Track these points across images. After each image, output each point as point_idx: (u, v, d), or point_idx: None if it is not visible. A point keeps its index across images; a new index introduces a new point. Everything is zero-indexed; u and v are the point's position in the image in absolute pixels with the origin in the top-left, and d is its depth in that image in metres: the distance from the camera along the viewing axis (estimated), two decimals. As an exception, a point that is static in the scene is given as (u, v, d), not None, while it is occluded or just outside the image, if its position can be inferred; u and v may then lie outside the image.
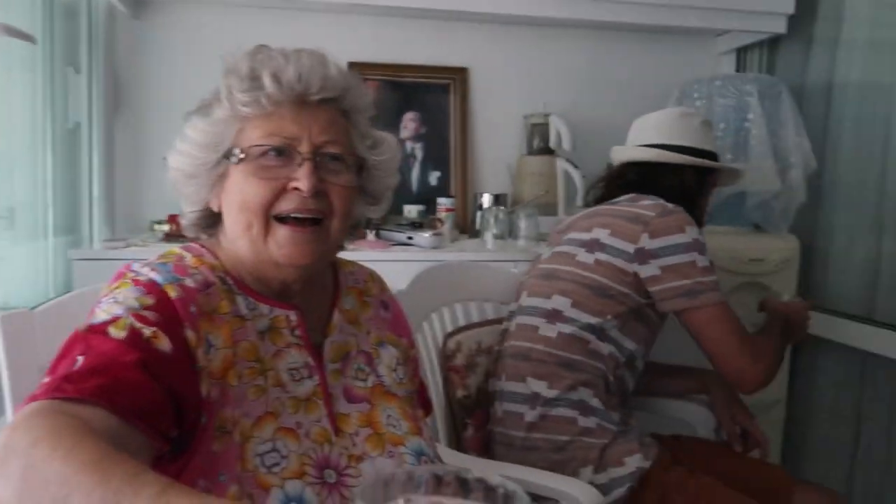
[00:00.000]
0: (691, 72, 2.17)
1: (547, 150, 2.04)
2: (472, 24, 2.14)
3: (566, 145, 1.96)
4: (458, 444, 1.39)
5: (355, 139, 0.85)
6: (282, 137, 0.79)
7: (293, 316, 0.83)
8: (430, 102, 2.15)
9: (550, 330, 1.31)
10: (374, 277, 1.01)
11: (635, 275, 1.27)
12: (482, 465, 1.22)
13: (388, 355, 0.94)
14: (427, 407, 1.11)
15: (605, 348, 1.30)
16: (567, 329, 1.29)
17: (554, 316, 1.31)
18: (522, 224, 1.81)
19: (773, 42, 2.17)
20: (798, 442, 2.10)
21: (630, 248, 1.27)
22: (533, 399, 1.29)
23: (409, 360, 1.00)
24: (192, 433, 0.72)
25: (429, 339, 1.44)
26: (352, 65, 2.07)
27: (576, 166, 1.97)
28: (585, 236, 1.35)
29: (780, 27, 2.02)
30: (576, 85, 2.21)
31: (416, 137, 2.13)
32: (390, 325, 0.98)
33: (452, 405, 1.40)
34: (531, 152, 2.07)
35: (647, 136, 1.46)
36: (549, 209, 1.98)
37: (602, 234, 1.31)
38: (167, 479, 0.57)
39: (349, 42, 2.07)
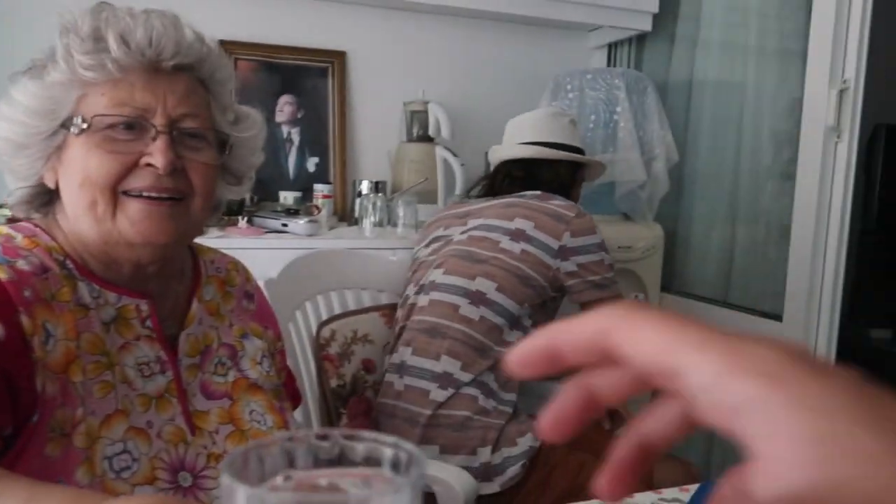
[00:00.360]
0: (565, 64, 2.23)
1: (426, 138, 2.03)
2: (351, 6, 2.10)
3: (445, 133, 1.96)
4: (332, 434, 1.36)
5: (216, 113, 0.79)
6: (133, 107, 0.71)
7: (144, 305, 0.77)
8: (307, 86, 2.08)
9: (473, 312, 1.33)
10: (237, 266, 0.95)
11: (557, 270, 1.36)
12: None
13: (253, 348, 0.89)
14: (295, 399, 1.07)
15: (514, 336, 1.35)
16: (488, 313, 1.33)
17: (478, 298, 1.34)
18: (402, 211, 1.80)
19: (641, 39, 2.27)
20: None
21: (554, 244, 1.35)
22: (443, 378, 1.30)
23: (277, 353, 0.97)
24: (20, 432, 0.65)
25: (302, 329, 1.40)
26: (223, 43, 1.96)
27: (455, 154, 1.98)
28: (509, 225, 1.38)
29: (646, 25, 2.12)
30: (455, 73, 2.22)
31: (293, 122, 2.06)
32: (255, 316, 0.94)
33: (326, 395, 1.36)
34: (410, 139, 2.05)
35: (523, 134, 1.56)
36: (428, 197, 1.98)
37: (527, 226, 1.37)
38: (28, 479, 0.51)
39: (220, 19, 1.96)
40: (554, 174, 1.49)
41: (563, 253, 1.36)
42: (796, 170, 1.65)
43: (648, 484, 1.44)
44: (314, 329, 1.40)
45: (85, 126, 0.71)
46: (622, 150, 1.91)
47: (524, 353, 0.27)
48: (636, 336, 0.25)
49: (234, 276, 0.93)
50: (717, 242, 2.03)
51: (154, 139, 0.72)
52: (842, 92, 1.52)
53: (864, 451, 0.20)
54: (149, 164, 0.71)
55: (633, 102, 1.95)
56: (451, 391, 1.29)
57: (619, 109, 1.93)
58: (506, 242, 1.37)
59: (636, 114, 1.96)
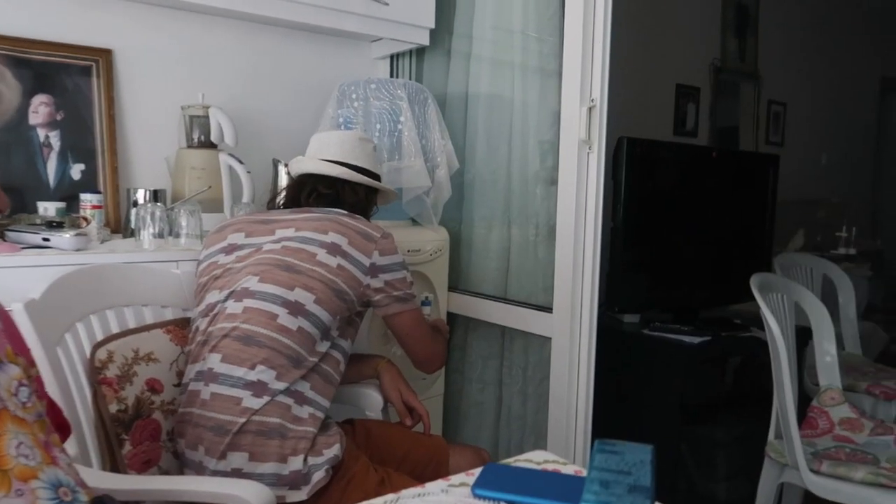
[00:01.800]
0: (351, 72, 2.28)
1: (209, 144, 1.95)
2: (117, 1, 1.94)
3: (229, 140, 1.90)
4: (113, 462, 1.26)
5: None
6: None
7: None
8: (67, 85, 1.89)
9: (292, 322, 1.32)
10: None
11: (366, 286, 1.41)
12: (136, 483, 1.12)
13: (7, 376, 0.81)
14: (63, 430, 0.99)
15: (324, 346, 1.37)
16: (306, 324, 1.33)
17: (297, 308, 1.33)
18: (184, 221, 1.71)
19: (420, 52, 2.39)
20: (455, 409, 2.36)
21: (366, 261, 1.41)
22: (257, 386, 1.27)
23: (33, 380, 0.89)
24: None
25: (73, 352, 1.27)
26: (-43, 33, 1.72)
27: (241, 161, 1.92)
28: (324, 238, 1.40)
29: (423, 39, 2.24)
30: (238, 78, 2.15)
31: (51, 124, 1.86)
32: (7, 340, 0.85)
33: (105, 421, 1.26)
34: (191, 145, 1.95)
35: (330, 152, 1.60)
36: (212, 205, 1.90)
37: (342, 242, 1.40)
38: None
39: (-47, 5, 1.71)
40: (355, 196, 1.57)
41: (373, 270, 1.43)
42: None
43: (446, 469, 1.54)
44: (88, 351, 1.29)
45: None
46: (407, 157, 2.00)
47: None
48: None
49: None
50: (496, 243, 2.20)
51: None
52: (590, 109, 1.74)
53: None
54: None
55: (416, 112, 2.05)
56: (266, 398, 1.27)
57: (402, 119, 2.01)
58: (322, 255, 1.39)
59: (419, 123, 2.05)
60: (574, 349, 1.84)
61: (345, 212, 1.52)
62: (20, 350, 0.88)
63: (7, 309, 1.17)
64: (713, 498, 2.36)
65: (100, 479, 1.06)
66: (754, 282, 1.92)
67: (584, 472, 0.81)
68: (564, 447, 1.87)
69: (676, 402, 2.19)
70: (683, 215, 2.43)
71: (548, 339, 1.92)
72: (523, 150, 2.11)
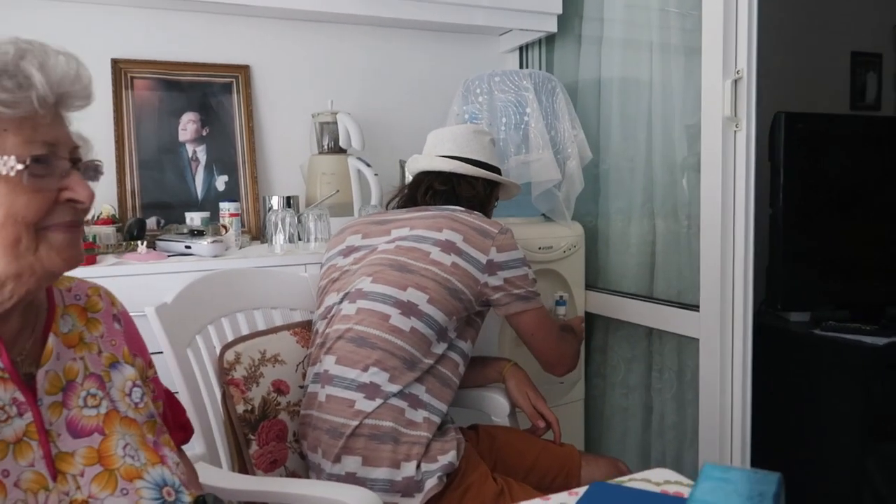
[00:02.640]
0: (478, 69, 2.23)
1: (338, 149, 1.98)
2: (251, 19, 2.04)
3: (356, 144, 1.92)
4: (241, 463, 1.29)
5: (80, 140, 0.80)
6: (44, 143, 0.71)
7: None
8: (211, 102, 2.01)
9: (404, 323, 1.30)
10: (98, 291, 0.90)
11: (484, 284, 1.36)
12: (244, 483, 1.13)
13: (122, 377, 0.85)
14: (184, 431, 1.02)
15: (441, 347, 1.33)
16: (419, 325, 1.30)
17: (409, 309, 1.31)
18: (313, 226, 1.74)
19: (550, 40, 2.28)
20: (598, 415, 2.22)
21: (483, 258, 1.35)
22: (369, 388, 1.26)
23: (149, 380, 0.92)
24: None
25: (204, 354, 1.33)
26: (116, 62, 1.89)
27: (368, 164, 1.93)
28: (439, 236, 1.36)
29: (551, 26, 2.13)
30: (364, 82, 2.18)
31: (198, 140, 1.99)
32: (125, 341, 0.89)
33: (233, 422, 1.30)
34: (322, 152, 2.00)
35: (445, 147, 1.56)
36: (343, 209, 1.93)
37: (457, 239, 1.36)
38: None
39: (112, 37, 1.88)
40: (472, 191, 1.51)
41: (491, 267, 1.36)
42: (703, 161, 1.66)
43: (576, 481, 1.43)
44: (218, 354, 1.34)
45: (19, 166, 0.69)
46: (535, 150, 1.91)
47: None
48: None
49: (96, 302, 0.88)
50: (637, 237, 2.04)
51: (65, 175, 0.72)
52: (736, 82, 1.55)
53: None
54: (70, 200, 0.73)
55: (543, 103, 1.95)
56: (378, 401, 1.25)
57: (528, 110, 1.92)
58: (436, 254, 1.35)
59: (546, 114, 1.95)
60: (726, 352, 1.64)
61: (461, 208, 1.46)
62: (138, 351, 0.91)
63: (140, 314, 1.25)
64: (911, 526, 2.02)
65: (210, 476, 1.08)
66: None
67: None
68: (719, 461, 1.67)
69: (858, 414, 1.89)
70: (862, 196, 2.10)
71: (695, 341, 1.74)
72: (666, 135, 1.94)
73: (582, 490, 0.73)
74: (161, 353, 1.21)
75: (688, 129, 1.88)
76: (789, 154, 1.93)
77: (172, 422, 0.99)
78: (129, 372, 0.86)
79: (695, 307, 1.75)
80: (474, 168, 1.51)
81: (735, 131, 1.57)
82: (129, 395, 0.84)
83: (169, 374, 1.21)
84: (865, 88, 3.22)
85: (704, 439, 1.71)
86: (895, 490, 2.02)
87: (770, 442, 1.88)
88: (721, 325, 1.63)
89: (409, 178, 1.96)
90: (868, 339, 1.91)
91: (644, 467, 2.10)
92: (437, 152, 1.55)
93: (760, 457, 1.67)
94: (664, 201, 1.96)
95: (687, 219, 1.90)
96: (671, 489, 0.74)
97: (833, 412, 1.93)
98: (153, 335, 1.19)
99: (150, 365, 0.95)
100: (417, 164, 1.57)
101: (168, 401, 1.00)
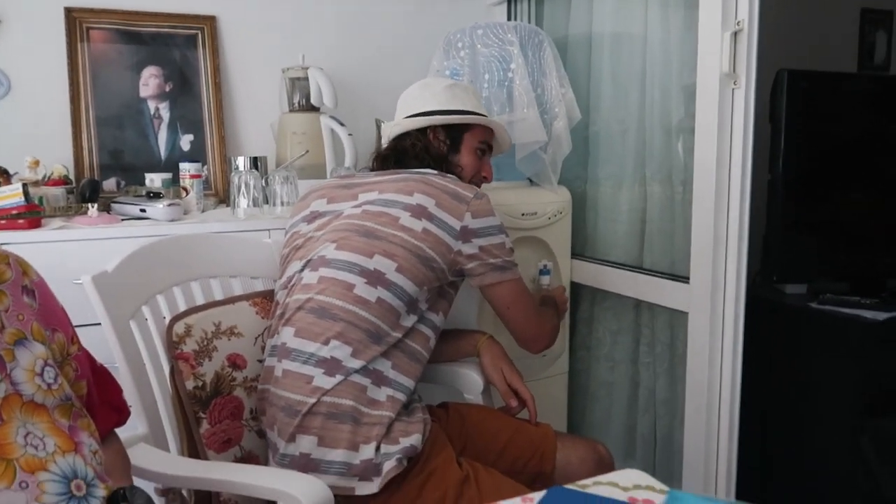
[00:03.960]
0: (463, 22, 2.08)
1: (310, 107, 1.86)
2: (217, -35, 1.90)
3: (328, 101, 1.80)
4: (190, 443, 1.20)
5: None
6: None
7: None
8: (175, 56, 1.88)
9: (370, 293, 1.20)
10: (7, 259, 0.80)
11: (458, 252, 1.26)
12: (189, 469, 1.05)
13: (30, 356, 0.75)
14: (121, 411, 0.93)
15: (410, 320, 1.24)
16: (386, 295, 1.21)
17: (376, 278, 1.21)
18: (279, 189, 1.63)
19: (540, -7, 2.14)
20: (582, 389, 2.14)
21: (456, 224, 1.25)
22: (329, 364, 1.16)
23: (70, 359, 0.82)
24: None
25: (151, 326, 1.23)
26: (70, 11, 1.76)
27: (342, 124, 1.81)
28: (409, 200, 1.26)
29: (541, -24, 1.99)
30: (338, 36, 2.05)
31: (161, 96, 1.86)
32: (38, 316, 0.79)
33: (181, 399, 1.21)
34: (293, 110, 1.88)
35: (398, 113, 1.47)
36: (315, 171, 1.82)
37: (429, 203, 1.26)
38: None
39: (65, -17, 1.74)
40: (422, 145, 1.40)
41: (465, 234, 1.26)
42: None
43: (551, 465, 1.35)
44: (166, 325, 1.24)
45: None
46: (519, 109, 1.78)
47: None
48: None
49: (3, 271, 0.78)
50: (627, 204, 1.93)
51: None
52: (735, 34, 1.42)
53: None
54: None
55: (529, 58, 1.82)
56: (339, 378, 1.16)
57: (513, 66, 1.79)
58: (406, 219, 1.25)
59: (533, 70, 1.82)
60: (716, 325, 1.54)
61: (435, 171, 1.35)
62: (58, 325, 0.81)
63: (78, 281, 1.15)
64: (904, 504, 1.95)
65: (147, 460, 0.99)
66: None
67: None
68: (706, 439, 1.59)
69: (854, 390, 1.81)
70: (867, 164, 1.98)
71: (685, 314, 1.64)
72: (662, 96, 1.81)
73: (538, 496, 0.63)
74: (99, 324, 1.11)
75: (685, 90, 1.75)
76: (791, 116, 1.80)
77: (104, 402, 0.90)
78: (38, 350, 0.76)
79: (684, 279, 1.65)
80: (410, 120, 1.41)
81: (733, 89, 1.45)
82: (42, 374, 0.75)
83: (109, 348, 1.12)
84: (875, 48, 3.06)
85: (690, 419, 1.62)
86: (888, 467, 1.95)
87: (761, 419, 1.80)
88: (712, 299, 1.53)
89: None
90: (868, 314, 1.81)
91: (629, 446, 2.03)
92: (406, 113, 1.46)
93: (749, 437, 1.59)
94: (657, 166, 1.84)
95: (681, 185, 1.79)
96: (640, 496, 0.64)
97: (828, 389, 1.84)
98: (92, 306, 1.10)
99: (74, 341, 0.85)
100: (391, 130, 1.48)
101: (98, 379, 0.90)
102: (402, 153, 1.40)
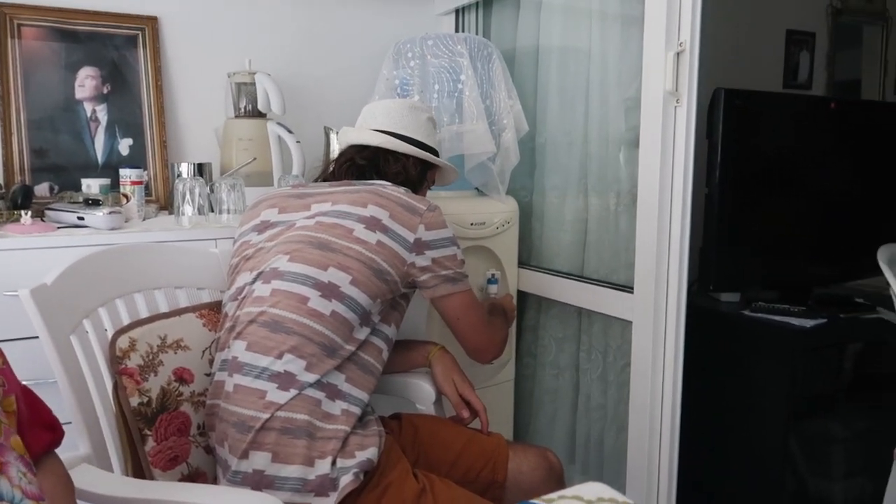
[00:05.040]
0: (410, 33, 2.09)
1: (257, 113, 1.83)
2: (159, -35, 1.85)
3: (276, 108, 1.77)
4: (135, 461, 1.16)
5: None
6: None
7: None
8: (113, 57, 1.81)
9: (324, 306, 1.18)
10: None
11: (411, 264, 1.26)
12: (135, 490, 1.01)
13: None
14: (54, 430, 0.89)
15: (363, 332, 1.22)
16: (340, 308, 1.19)
17: (330, 290, 1.19)
18: (225, 196, 1.60)
19: (487, 4, 2.17)
20: (528, 396, 2.17)
21: (410, 236, 1.25)
22: (283, 378, 1.14)
23: None
24: None
25: (93, 340, 1.18)
26: (1, 6, 1.67)
27: (290, 131, 1.79)
28: (363, 212, 1.25)
29: (489, -12, 2.01)
30: (285, 41, 2.02)
31: (98, 98, 1.79)
32: None
33: (125, 416, 1.16)
34: (238, 115, 1.84)
35: (377, 121, 1.45)
36: (261, 179, 1.78)
37: (383, 216, 1.25)
38: None
39: (-6, -23, 1.66)
40: (402, 169, 1.41)
41: (419, 246, 1.26)
42: (642, 136, 1.60)
43: (503, 474, 1.36)
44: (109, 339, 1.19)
45: None
46: (468, 120, 1.80)
47: None
48: None
49: None
50: (572, 214, 1.97)
51: None
52: (678, 54, 1.48)
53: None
54: None
55: (478, 70, 1.84)
56: (293, 392, 1.14)
57: (463, 77, 1.81)
58: (360, 231, 1.24)
59: (482, 82, 1.85)
60: (659, 334, 1.60)
61: (388, 183, 1.35)
62: None
63: (13, 294, 1.09)
64: (828, 499, 2.07)
65: (88, 481, 0.95)
66: (883, 254, 1.61)
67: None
68: (648, 444, 1.64)
69: (783, 394, 1.91)
70: (793, 178, 2.10)
71: (628, 323, 1.69)
72: (603, 109, 1.86)
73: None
74: (37, 338, 1.06)
75: (625, 103, 1.81)
76: (727, 132, 1.89)
77: (34, 421, 0.86)
78: None
79: (628, 288, 1.70)
80: (405, 144, 1.41)
81: (676, 107, 1.51)
82: None
83: (48, 363, 1.07)
84: (798, 67, 3.24)
85: (634, 423, 1.67)
86: (812, 466, 2.06)
87: (699, 423, 1.87)
88: (655, 308, 1.58)
89: (336, 148, 1.84)
90: (795, 321, 1.91)
91: (570, 451, 2.08)
92: (368, 126, 1.44)
93: (689, 440, 1.65)
94: (598, 177, 1.90)
95: (623, 196, 1.84)
96: (604, 508, 0.66)
97: (760, 392, 1.93)
98: (29, 319, 1.05)
99: None
100: (347, 136, 1.46)
101: (27, 398, 0.86)
102: (378, 168, 1.40)
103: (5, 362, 0.81)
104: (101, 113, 1.79)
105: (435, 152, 1.49)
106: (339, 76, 2.09)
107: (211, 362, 1.29)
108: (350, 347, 1.21)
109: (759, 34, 2.96)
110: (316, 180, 1.50)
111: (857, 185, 2.23)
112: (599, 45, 1.84)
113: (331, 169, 1.47)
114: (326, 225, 1.25)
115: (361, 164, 1.39)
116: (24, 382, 0.85)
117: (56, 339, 1.08)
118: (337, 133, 1.77)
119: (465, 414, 1.40)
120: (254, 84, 1.79)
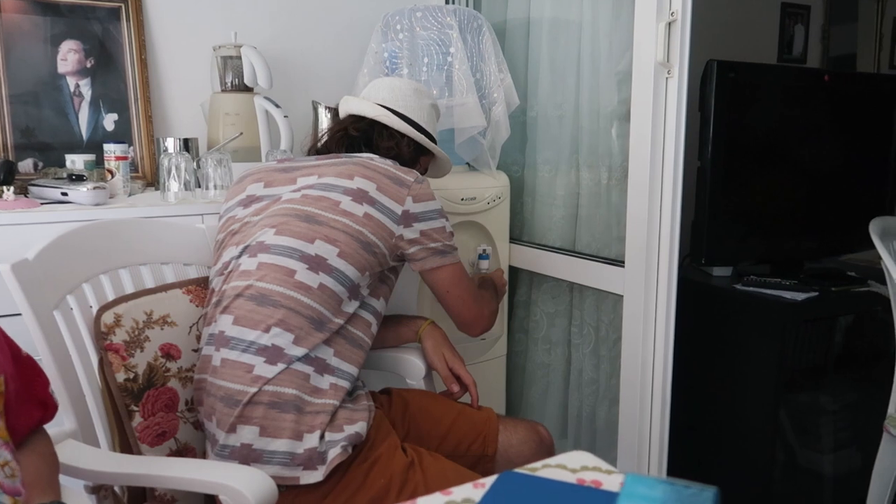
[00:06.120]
0: (399, 3, 2.06)
1: (243, 88, 1.80)
2: (142, -65, 1.81)
3: (263, 81, 1.74)
4: (122, 437, 1.15)
5: None
6: None
7: None
8: (96, 30, 1.78)
9: (311, 278, 1.17)
10: None
11: (399, 237, 1.24)
12: (125, 465, 1.01)
13: None
14: (47, 406, 0.88)
15: (352, 306, 1.22)
16: (328, 281, 1.18)
17: (317, 263, 1.18)
18: (212, 172, 1.57)
19: (479, -24, 2.13)
20: (520, 371, 2.18)
21: (398, 208, 1.24)
22: (271, 352, 1.13)
23: None
24: None
25: (77, 316, 1.17)
26: (-24, -23, 1.63)
27: (277, 105, 1.76)
28: (350, 184, 1.23)
29: (479, -42, 1.98)
30: (272, 13, 1.98)
31: (81, 72, 1.76)
32: None
33: (112, 392, 1.15)
34: (225, 90, 1.81)
35: (380, 96, 1.42)
36: (249, 154, 1.76)
37: (370, 188, 1.24)
38: None
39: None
40: (394, 146, 1.38)
41: (406, 219, 1.25)
42: (633, 109, 1.58)
43: (493, 447, 1.37)
44: (94, 315, 1.18)
45: None
46: (458, 94, 1.78)
47: None
48: None
49: None
50: (563, 189, 1.96)
51: None
52: (670, 25, 1.45)
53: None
54: None
55: (468, 42, 1.81)
56: (280, 366, 1.13)
57: (452, 50, 1.78)
58: (347, 203, 1.22)
59: (472, 55, 1.82)
60: (650, 308, 1.59)
61: (375, 156, 1.33)
62: None
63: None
64: (817, 470, 2.08)
65: (76, 457, 0.94)
66: (875, 227, 1.60)
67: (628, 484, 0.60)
68: (639, 417, 1.65)
69: (774, 366, 1.91)
70: (786, 151, 2.08)
71: (620, 297, 1.68)
72: (595, 82, 1.84)
73: (489, 481, 0.64)
74: (20, 314, 1.05)
75: (617, 76, 1.79)
76: (720, 105, 1.87)
77: (28, 397, 0.85)
78: None
79: (619, 262, 1.69)
80: (402, 122, 1.39)
81: (667, 78, 1.49)
82: None
83: (31, 340, 1.06)
84: (793, 40, 3.21)
85: (625, 396, 1.67)
86: (802, 438, 2.07)
87: (690, 396, 1.88)
88: (646, 282, 1.58)
89: (325, 122, 1.81)
90: (787, 295, 1.91)
91: (562, 426, 2.08)
92: (371, 98, 1.42)
93: (680, 413, 1.65)
94: (590, 151, 1.88)
95: (615, 170, 1.83)
96: (588, 476, 0.66)
97: (752, 365, 1.94)
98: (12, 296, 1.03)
99: None
100: (347, 104, 1.44)
101: (23, 371, 0.85)
102: (370, 141, 1.38)
103: None
104: (85, 88, 1.76)
105: (433, 140, 1.47)
106: (327, 49, 2.05)
107: (198, 338, 1.28)
108: (338, 321, 1.20)
109: (753, 7, 2.93)
110: (309, 152, 1.48)
111: (849, 158, 2.22)
112: (591, 17, 1.82)
113: (324, 139, 1.45)
114: (313, 198, 1.24)
115: (354, 135, 1.37)
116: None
117: (39, 314, 1.07)
118: (327, 107, 1.75)
119: (455, 388, 1.39)
120: (240, 58, 1.77)
